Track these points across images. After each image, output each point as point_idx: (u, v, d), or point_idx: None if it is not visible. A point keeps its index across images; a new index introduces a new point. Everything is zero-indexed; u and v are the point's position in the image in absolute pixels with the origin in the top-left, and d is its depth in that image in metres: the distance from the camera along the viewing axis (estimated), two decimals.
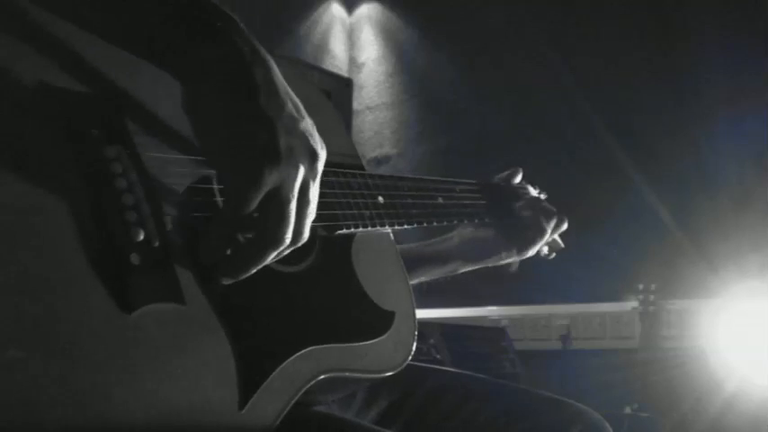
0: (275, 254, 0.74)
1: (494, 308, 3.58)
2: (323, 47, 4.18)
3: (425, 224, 1.14)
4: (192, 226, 0.76)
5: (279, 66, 0.76)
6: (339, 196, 0.96)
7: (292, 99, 0.74)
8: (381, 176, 1.07)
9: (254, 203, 0.70)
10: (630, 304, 3.26)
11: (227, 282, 0.75)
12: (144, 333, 0.66)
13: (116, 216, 0.69)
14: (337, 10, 4.26)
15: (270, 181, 0.70)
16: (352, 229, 0.96)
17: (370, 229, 0.99)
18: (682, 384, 3.03)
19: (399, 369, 0.95)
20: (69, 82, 0.71)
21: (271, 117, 0.70)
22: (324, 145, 0.76)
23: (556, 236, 1.44)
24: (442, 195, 1.21)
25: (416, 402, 1.15)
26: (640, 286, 3.21)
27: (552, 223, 1.36)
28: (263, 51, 0.72)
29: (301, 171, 0.72)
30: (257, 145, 0.69)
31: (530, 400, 1.22)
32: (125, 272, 0.67)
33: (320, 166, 0.75)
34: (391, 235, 1.08)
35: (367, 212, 1.00)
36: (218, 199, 0.81)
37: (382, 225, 1.02)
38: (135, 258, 0.68)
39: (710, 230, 3.10)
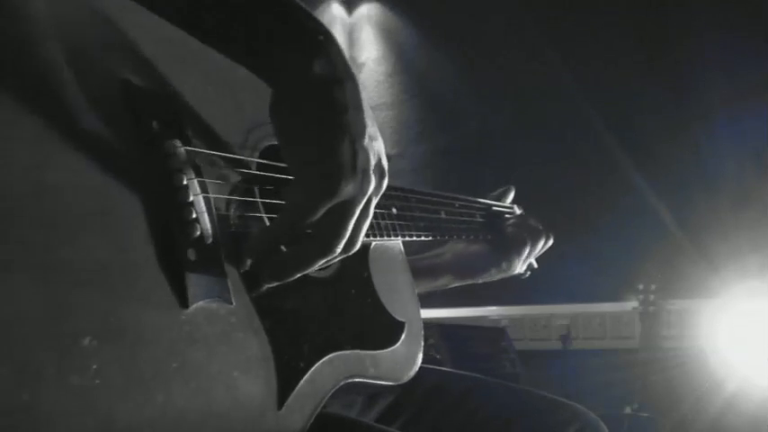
0: (324, 261, 0.76)
1: (494, 308, 3.58)
2: None
3: (430, 237, 1.16)
4: (238, 225, 0.78)
5: None
6: None
7: (371, 116, 0.76)
8: (394, 188, 1.10)
9: (322, 213, 0.72)
10: (630, 304, 3.26)
11: (270, 284, 0.76)
12: (197, 329, 0.68)
13: (174, 211, 0.70)
14: (337, 10, 4.27)
15: (343, 194, 0.72)
16: (370, 238, 0.98)
17: (384, 238, 1.02)
18: (682, 384, 3.03)
19: (409, 378, 0.97)
20: (132, 74, 0.73)
21: (354, 133, 0.72)
22: (386, 162, 0.79)
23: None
24: (444, 210, 1.24)
25: (416, 402, 1.16)
26: (640, 286, 3.21)
27: (539, 241, 1.40)
28: (352, 67, 0.74)
29: (371, 188, 0.75)
30: (338, 159, 0.71)
31: (527, 400, 1.23)
32: (184, 267, 0.68)
33: (386, 183, 0.78)
34: (401, 245, 1.11)
35: (383, 222, 1.03)
36: (258, 200, 0.82)
37: (395, 235, 1.05)
38: (191, 254, 0.69)
39: (710, 230, 3.10)
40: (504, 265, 1.37)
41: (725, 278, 3.06)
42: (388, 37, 4.21)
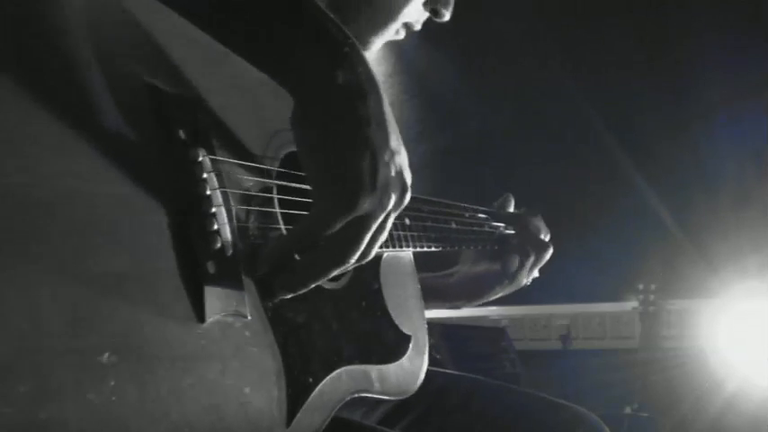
0: (336, 272, 0.75)
1: (494, 308, 3.58)
2: None
3: (441, 248, 1.15)
4: (256, 236, 0.77)
5: None
6: None
7: (395, 130, 0.75)
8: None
9: (340, 226, 0.71)
10: (630, 304, 3.26)
11: (284, 296, 0.76)
12: (212, 344, 0.67)
13: (197, 222, 0.69)
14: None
15: (362, 209, 0.71)
16: (382, 249, 0.97)
17: (396, 249, 1.01)
18: (682, 384, 3.03)
19: (409, 394, 0.97)
20: (159, 79, 0.72)
21: (376, 148, 0.71)
22: (410, 176, 0.78)
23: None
24: (454, 220, 1.23)
25: (420, 404, 1.16)
26: (640, 286, 3.21)
27: (544, 252, 1.38)
28: (378, 81, 0.73)
29: (391, 203, 0.74)
30: (359, 173, 0.70)
31: (530, 402, 1.23)
32: (202, 280, 0.67)
33: (407, 199, 0.77)
34: (411, 257, 1.10)
35: (395, 233, 1.01)
36: (277, 210, 0.81)
37: (407, 246, 1.04)
38: (211, 267, 0.68)
39: (710, 230, 3.10)
40: (506, 281, 1.36)
41: (725, 278, 3.06)
42: None
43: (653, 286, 3.19)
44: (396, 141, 0.74)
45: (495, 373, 2.87)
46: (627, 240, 3.16)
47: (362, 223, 0.72)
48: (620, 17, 3.45)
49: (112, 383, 0.57)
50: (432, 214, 1.14)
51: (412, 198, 1.10)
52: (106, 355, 0.57)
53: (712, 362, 3.03)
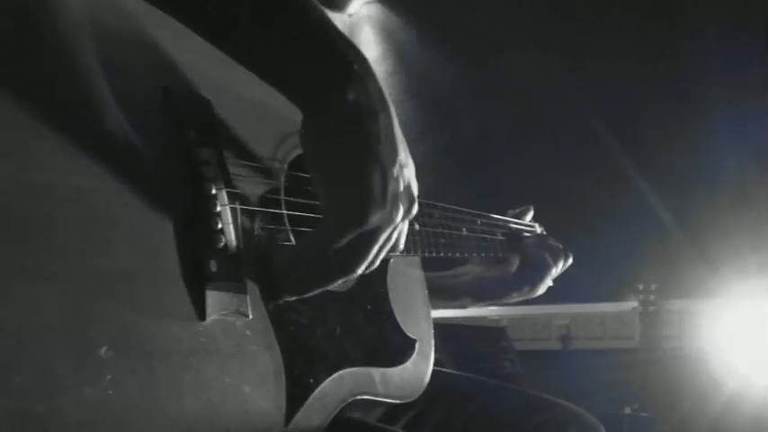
0: (342, 281, 0.76)
1: (494, 308, 3.58)
2: None
3: (450, 254, 1.15)
4: (262, 237, 0.78)
5: None
6: None
7: (404, 144, 0.76)
8: (419, 202, 1.09)
9: (348, 239, 0.72)
10: (630, 304, 3.26)
11: (289, 298, 0.77)
12: (213, 342, 0.68)
13: (202, 221, 0.70)
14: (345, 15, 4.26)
15: (371, 223, 0.72)
16: (390, 254, 0.97)
17: (404, 254, 1.01)
18: (682, 384, 3.03)
19: (413, 398, 0.97)
20: (170, 80, 0.72)
21: (385, 164, 0.72)
22: (417, 189, 0.79)
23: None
24: (465, 227, 1.23)
25: (420, 403, 1.16)
26: (640, 286, 3.21)
27: (560, 261, 1.38)
28: (387, 96, 0.73)
29: (399, 216, 0.75)
30: (368, 188, 0.71)
31: (528, 402, 1.24)
32: (204, 278, 0.68)
33: (414, 211, 0.78)
34: (420, 261, 1.10)
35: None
36: (285, 212, 0.82)
37: (416, 252, 1.04)
38: (213, 265, 0.69)
39: (710, 230, 3.10)
40: (526, 289, 1.36)
41: (725, 278, 3.06)
42: (388, 37, 4.20)
43: (653, 286, 3.19)
44: (404, 155, 0.75)
45: (495, 373, 2.87)
46: (627, 240, 3.16)
47: (371, 236, 0.73)
48: (621, 17, 3.45)
49: (109, 377, 0.58)
50: (442, 220, 1.15)
51: (423, 203, 1.09)
52: (104, 349, 0.58)
53: (712, 362, 3.03)
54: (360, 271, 0.75)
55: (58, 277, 0.57)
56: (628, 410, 2.99)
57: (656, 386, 3.03)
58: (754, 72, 3.05)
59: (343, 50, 0.71)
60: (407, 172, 0.75)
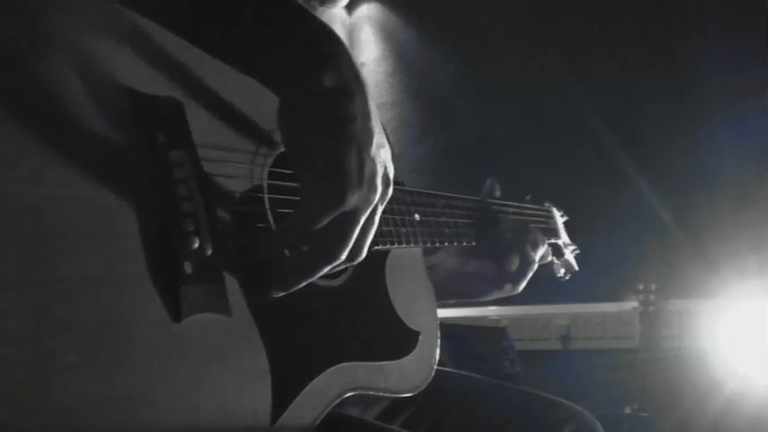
0: (328, 269, 0.75)
1: (494, 308, 3.58)
2: None
3: (456, 244, 1.12)
4: (244, 234, 0.77)
5: None
6: None
7: (379, 125, 0.76)
8: (419, 192, 1.07)
9: (327, 221, 0.72)
10: (630, 304, 3.26)
11: (276, 295, 0.76)
12: (189, 342, 0.67)
13: (174, 223, 0.69)
14: (337, 9, 4.26)
15: (349, 204, 0.72)
16: (388, 246, 0.96)
17: (404, 246, 0.99)
18: (682, 384, 3.03)
19: (419, 390, 0.95)
20: (138, 82, 0.71)
21: (361, 144, 0.72)
22: (393, 169, 0.79)
23: (571, 258, 1.43)
24: (471, 213, 1.18)
25: (417, 401, 1.16)
26: (640, 286, 3.21)
27: (540, 249, 1.27)
28: (363, 77, 0.73)
29: (377, 196, 0.75)
30: (345, 169, 0.71)
31: (524, 400, 1.23)
32: (178, 280, 0.67)
33: (390, 191, 0.78)
34: (422, 253, 1.08)
35: (404, 230, 0.99)
36: (268, 210, 0.81)
37: (416, 243, 1.02)
38: (188, 267, 0.68)
39: (710, 230, 3.10)
40: (508, 287, 1.26)
41: (725, 278, 3.06)
42: (388, 37, 4.20)
43: (653, 286, 3.19)
44: (380, 134, 0.75)
45: (495, 373, 2.87)
46: (627, 240, 3.16)
47: (351, 218, 0.73)
48: (621, 17, 3.45)
49: (73, 386, 0.57)
50: (446, 208, 1.12)
51: (424, 193, 1.06)
52: (70, 356, 0.57)
53: (712, 362, 3.02)
54: (344, 256, 0.74)
55: (20, 286, 0.56)
56: (628, 410, 2.99)
57: (656, 386, 3.03)
58: (754, 72, 3.05)
59: (319, 32, 0.71)
60: (384, 152, 0.76)
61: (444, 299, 1.29)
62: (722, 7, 3.19)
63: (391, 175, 0.78)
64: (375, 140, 0.74)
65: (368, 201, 0.73)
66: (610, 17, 3.48)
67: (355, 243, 0.75)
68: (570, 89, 3.43)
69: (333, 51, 0.71)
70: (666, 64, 3.34)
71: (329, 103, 0.70)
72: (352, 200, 0.72)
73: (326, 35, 0.72)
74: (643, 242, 3.17)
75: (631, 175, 3.27)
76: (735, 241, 3.02)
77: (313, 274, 0.75)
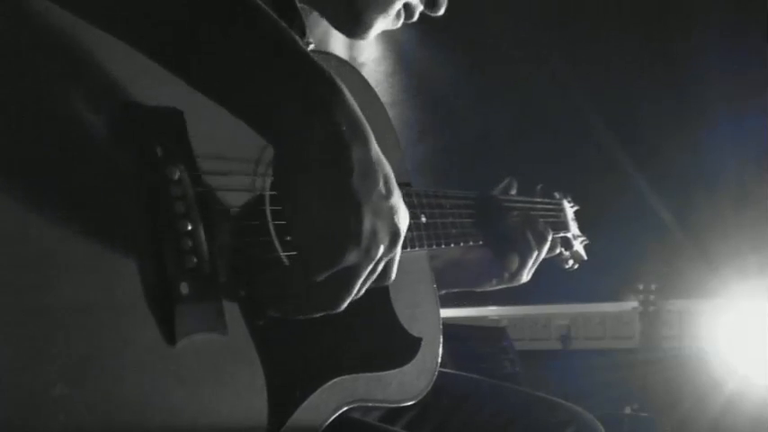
0: (325, 314, 0.73)
1: (494, 308, 3.58)
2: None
3: (462, 244, 1.09)
4: (243, 253, 0.75)
5: (325, 61, 0.72)
6: None
7: (385, 174, 0.70)
8: (426, 194, 1.03)
9: (325, 276, 0.68)
10: (630, 304, 3.26)
11: (274, 315, 0.73)
12: (185, 365, 0.65)
13: (171, 242, 0.66)
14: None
15: (348, 261, 0.68)
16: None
17: (408, 250, 0.96)
18: (682, 384, 3.03)
19: (419, 398, 0.94)
20: (138, 96, 0.69)
21: (360, 200, 0.67)
22: (406, 215, 0.73)
23: (581, 248, 1.42)
24: (477, 212, 1.16)
25: (419, 403, 1.16)
26: (640, 286, 3.21)
27: (544, 245, 1.25)
28: (364, 125, 0.68)
29: (380, 252, 0.70)
30: (342, 226, 0.66)
31: (526, 401, 1.23)
32: (173, 302, 0.65)
33: (400, 243, 0.73)
34: (427, 256, 1.05)
35: (409, 234, 0.95)
36: (270, 222, 0.78)
37: (422, 246, 0.99)
38: (184, 287, 0.66)
39: (710, 230, 3.10)
40: (506, 275, 1.25)
41: (725, 278, 3.06)
42: (388, 37, 4.20)
43: (653, 286, 3.19)
44: (382, 187, 0.69)
45: (495, 373, 2.87)
46: (627, 240, 3.15)
47: (351, 273, 0.69)
48: (621, 17, 3.45)
49: (62, 418, 0.56)
50: (453, 209, 1.09)
51: (431, 194, 1.03)
52: (58, 387, 0.56)
53: (712, 362, 3.02)
54: (343, 306, 0.71)
55: (11, 316, 0.55)
56: (628, 410, 2.99)
57: (656, 386, 3.03)
58: (754, 72, 3.05)
59: (315, 78, 0.66)
60: (389, 203, 0.70)
61: (443, 288, 1.28)
62: (722, 7, 3.19)
63: (401, 226, 0.72)
64: (375, 193, 0.68)
65: (369, 257, 0.69)
66: (610, 17, 3.48)
67: (357, 291, 0.72)
68: (570, 88, 3.43)
69: (332, 100, 0.66)
70: (666, 64, 3.34)
71: (325, 156, 0.65)
72: (351, 257, 0.67)
73: (327, 82, 0.66)
74: (643, 242, 3.17)
75: (631, 174, 3.27)
76: (735, 241, 3.02)
77: (312, 314, 0.73)
